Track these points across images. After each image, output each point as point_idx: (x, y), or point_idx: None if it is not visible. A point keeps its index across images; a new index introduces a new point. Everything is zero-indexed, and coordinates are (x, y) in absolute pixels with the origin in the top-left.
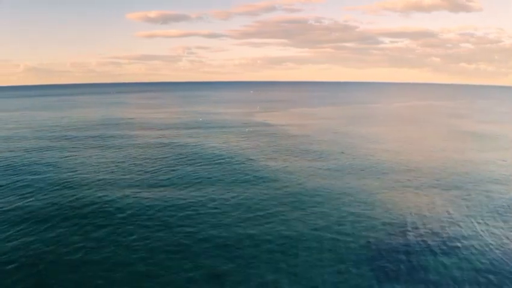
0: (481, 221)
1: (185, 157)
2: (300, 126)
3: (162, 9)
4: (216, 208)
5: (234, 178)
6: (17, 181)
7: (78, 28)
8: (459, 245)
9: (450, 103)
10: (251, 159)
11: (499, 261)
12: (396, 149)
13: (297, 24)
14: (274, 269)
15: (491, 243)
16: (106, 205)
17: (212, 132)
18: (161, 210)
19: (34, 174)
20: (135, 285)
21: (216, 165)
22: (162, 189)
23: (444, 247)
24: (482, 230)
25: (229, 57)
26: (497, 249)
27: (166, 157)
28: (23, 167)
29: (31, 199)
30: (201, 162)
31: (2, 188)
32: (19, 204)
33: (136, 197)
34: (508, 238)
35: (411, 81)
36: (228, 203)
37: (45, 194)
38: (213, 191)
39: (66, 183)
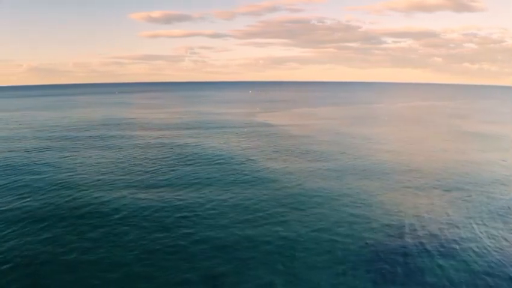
0: (479, 222)
1: (185, 157)
2: (302, 127)
3: (165, 9)
4: (213, 209)
5: (232, 178)
6: (15, 181)
7: (81, 28)
8: (458, 247)
9: (453, 103)
10: (251, 160)
11: (498, 264)
12: (398, 150)
13: (300, 24)
14: (271, 270)
15: (489, 245)
16: (103, 205)
17: (212, 133)
18: (158, 210)
19: (32, 174)
20: (131, 285)
21: (214, 166)
22: (160, 189)
23: (443, 249)
24: (481, 232)
25: (233, 57)
26: (495, 251)
27: (165, 157)
28: (22, 167)
29: (28, 199)
30: (200, 163)
31: (0, 187)
32: (16, 204)
33: (134, 198)
34: (507, 240)
35: (414, 81)
36: (226, 203)
37: (42, 194)
38: (211, 191)
39: (64, 184)
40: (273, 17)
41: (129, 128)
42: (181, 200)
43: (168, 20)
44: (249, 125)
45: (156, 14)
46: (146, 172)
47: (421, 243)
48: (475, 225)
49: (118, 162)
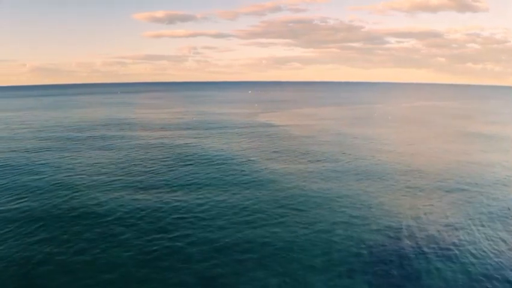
0: (479, 223)
1: (184, 158)
2: (303, 127)
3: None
4: (211, 210)
5: (232, 179)
6: (13, 181)
7: (84, 28)
8: (456, 249)
9: (455, 103)
10: (250, 160)
11: (496, 267)
12: (399, 150)
13: (302, 24)
14: (268, 272)
15: (488, 248)
16: (100, 206)
17: (213, 133)
18: (156, 211)
19: (31, 174)
20: (127, 286)
21: (214, 166)
22: (158, 190)
23: (441, 252)
24: (480, 234)
25: (236, 57)
26: (494, 253)
27: (165, 158)
28: (21, 167)
29: (26, 199)
30: (199, 163)
31: None
32: (13, 203)
33: (132, 198)
34: (505, 242)
35: (417, 81)
36: (224, 204)
37: (40, 194)
38: (210, 192)
39: (62, 184)
40: (276, 17)
41: (130, 128)
42: (179, 200)
43: (172, 20)
44: (250, 125)
45: (159, 14)
46: (145, 172)
47: (419, 245)
48: (474, 227)
49: (118, 163)
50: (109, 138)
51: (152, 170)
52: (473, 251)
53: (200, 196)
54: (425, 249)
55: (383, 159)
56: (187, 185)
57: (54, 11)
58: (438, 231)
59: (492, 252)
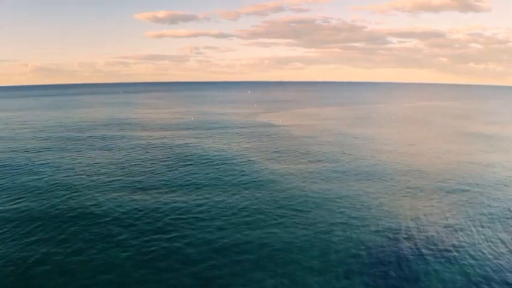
0: (478, 225)
1: (184, 158)
2: (304, 127)
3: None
4: (210, 210)
5: (231, 179)
6: (12, 181)
7: (85, 28)
8: (455, 251)
9: (457, 103)
10: (251, 160)
11: (494, 268)
12: (400, 150)
13: (304, 24)
14: (266, 273)
15: (487, 249)
16: (99, 206)
17: (214, 133)
18: (154, 212)
19: (30, 175)
20: (124, 287)
21: (214, 166)
22: (157, 190)
23: (440, 253)
24: (480, 236)
25: (238, 57)
26: (492, 255)
27: (165, 158)
28: (20, 167)
29: (24, 199)
30: (199, 163)
31: None
32: (11, 203)
33: (130, 199)
34: (504, 243)
35: (419, 81)
36: (224, 204)
37: (38, 194)
38: (209, 192)
39: (61, 184)
40: (278, 17)
41: (130, 128)
42: (177, 201)
43: (173, 20)
44: (250, 125)
45: (161, 14)
46: (145, 173)
47: (418, 247)
48: (473, 229)
49: (117, 163)
50: (110, 138)
51: (152, 170)
52: (472, 253)
53: (199, 196)
54: (424, 251)
55: (383, 159)
56: (186, 185)
57: (54, 11)
58: (438, 232)
59: (491, 254)
